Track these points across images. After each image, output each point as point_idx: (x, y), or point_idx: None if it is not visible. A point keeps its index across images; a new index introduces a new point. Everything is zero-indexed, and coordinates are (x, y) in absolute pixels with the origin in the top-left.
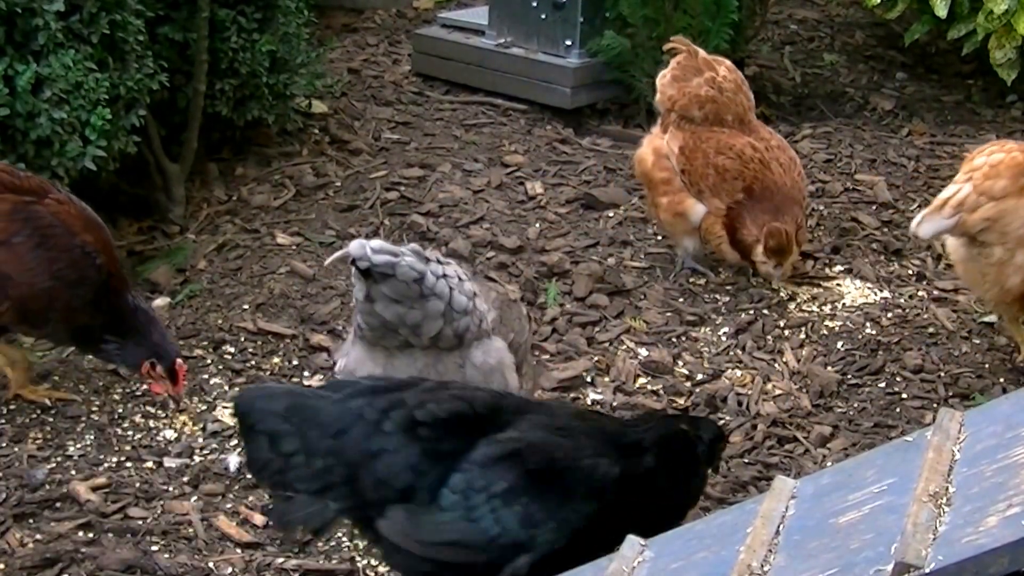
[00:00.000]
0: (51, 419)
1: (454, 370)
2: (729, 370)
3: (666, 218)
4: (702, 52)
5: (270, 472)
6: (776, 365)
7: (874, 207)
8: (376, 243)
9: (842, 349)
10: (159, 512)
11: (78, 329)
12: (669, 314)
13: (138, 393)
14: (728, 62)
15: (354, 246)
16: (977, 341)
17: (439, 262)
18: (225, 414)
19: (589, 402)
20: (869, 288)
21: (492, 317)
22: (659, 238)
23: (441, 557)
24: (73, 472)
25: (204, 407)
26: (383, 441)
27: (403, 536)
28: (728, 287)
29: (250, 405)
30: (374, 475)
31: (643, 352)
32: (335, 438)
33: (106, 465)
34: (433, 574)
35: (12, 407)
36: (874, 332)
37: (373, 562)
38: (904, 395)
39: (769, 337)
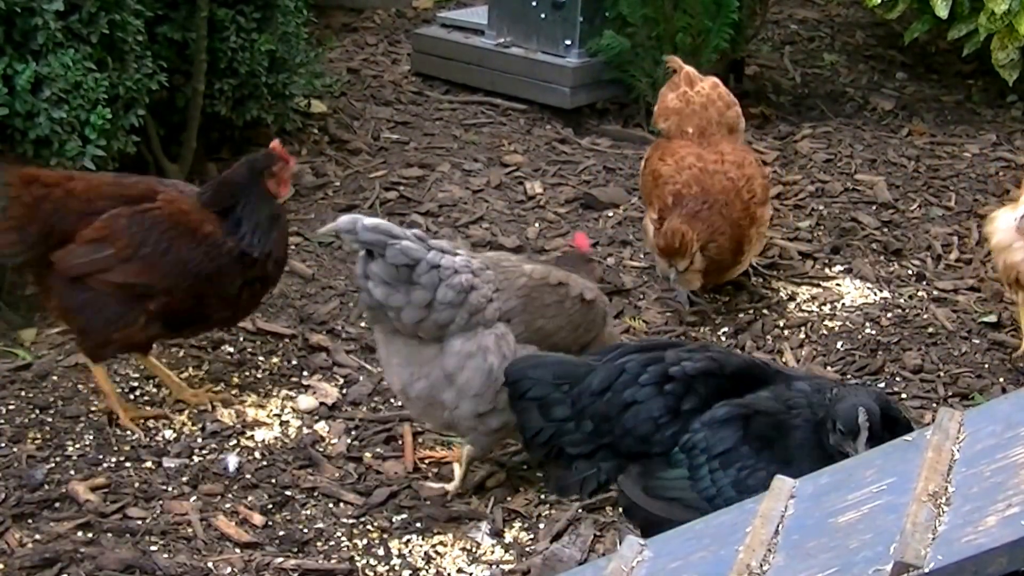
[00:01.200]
0: (50, 419)
1: (432, 358)
2: None
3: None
4: (688, 69)
5: (543, 440)
6: (776, 365)
7: (874, 207)
8: (371, 221)
9: (842, 349)
10: (158, 512)
11: (238, 298)
12: (669, 314)
13: (137, 393)
14: (713, 80)
15: (343, 220)
16: (976, 341)
17: (442, 251)
18: (224, 414)
19: None
20: (869, 288)
21: (510, 307)
22: None
23: (665, 514)
24: (72, 472)
25: (203, 407)
26: (637, 392)
27: (634, 490)
28: (727, 286)
29: (521, 373)
30: (622, 424)
31: None
32: (600, 395)
33: (105, 465)
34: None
35: (11, 407)
36: (874, 332)
37: (372, 561)
38: (904, 395)
39: (769, 337)
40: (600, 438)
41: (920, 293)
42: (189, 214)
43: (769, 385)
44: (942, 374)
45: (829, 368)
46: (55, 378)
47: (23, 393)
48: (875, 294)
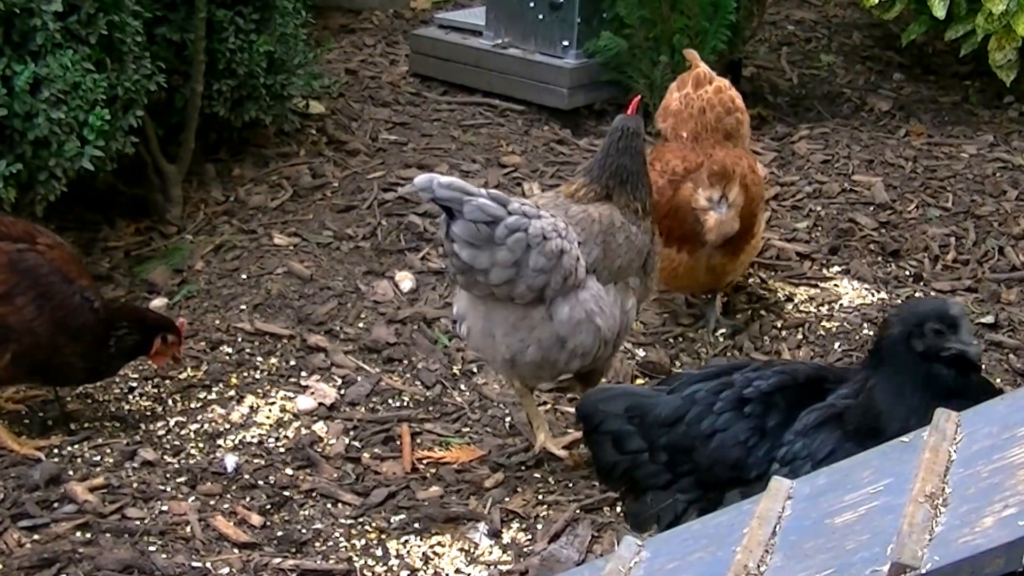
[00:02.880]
0: (48, 420)
1: (540, 323)
2: None
3: None
4: (702, 68)
5: (618, 474)
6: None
7: (871, 208)
8: (446, 179)
9: (839, 350)
10: (156, 512)
11: (83, 371)
12: (666, 315)
13: (135, 394)
14: (720, 83)
15: (420, 179)
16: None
17: (525, 215)
18: (220, 415)
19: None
20: (866, 289)
21: (594, 257)
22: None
23: None
24: (71, 472)
25: (200, 406)
26: (715, 421)
27: None
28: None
29: (592, 407)
30: (708, 455)
31: (640, 353)
32: (673, 427)
33: (103, 465)
34: None
35: (9, 409)
36: (871, 333)
37: (370, 562)
38: None
39: (766, 337)
40: (677, 469)
41: (918, 294)
42: (68, 264)
43: (841, 383)
44: None
45: None
46: None
47: (21, 392)
48: (873, 295)
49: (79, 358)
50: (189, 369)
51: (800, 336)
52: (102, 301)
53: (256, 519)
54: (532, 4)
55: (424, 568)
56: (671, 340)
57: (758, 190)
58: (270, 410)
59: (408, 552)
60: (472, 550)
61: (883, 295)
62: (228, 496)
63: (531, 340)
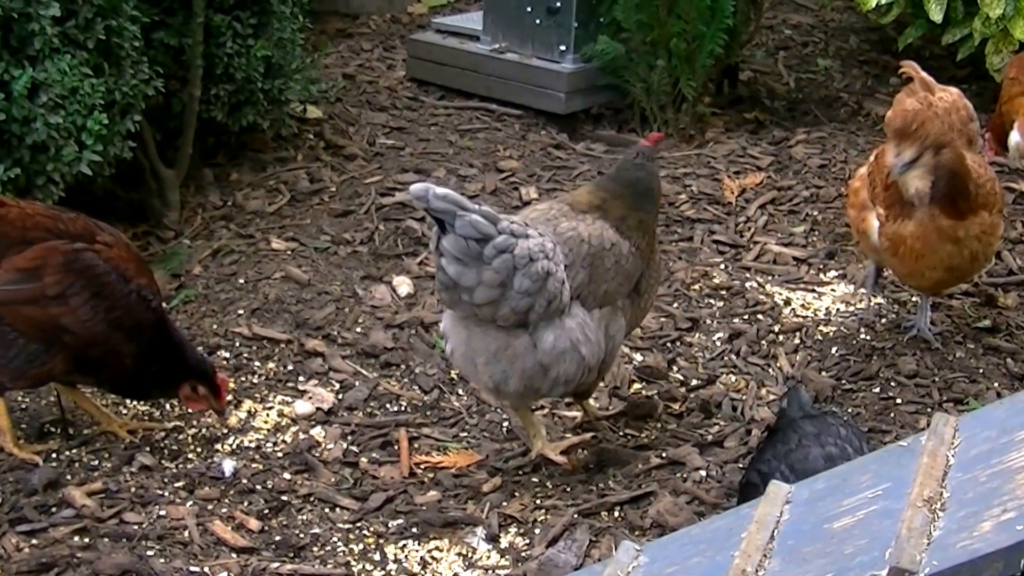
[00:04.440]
0: (46, 425)
1: (524, 353)
2: (723, 375)
3: None
4: (924, 75)
5: None
6: (770, 370)
7: None
8: (442, 190)
9: (836, 354)
10: (155, 517)
11: (132, 375)
12: (663, 319)
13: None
14: (954, 90)
15: (417, 187)
16: (971, 346)
17: (514, 234)
18: (218, 420)
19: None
20: (863, 293)
21: (579, 282)
22: None
23: None
24: (69, 477)
25: (197, 412)
26: None
27: None
28: (723, 292)
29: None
30: None
31: (638, 357)
32: None
33: (102, 470)
34: None
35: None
36: (868, 337)
37: (368, 567)
38: (899, 400)
39: (763, 342)
40: None
41: (915, 298)
42: (126, 263)
43: None
44: (937, 379)
45: (824, 373)
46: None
47: (18, 398)
48: (870, 299)
49: (132, 360)
50: None
51: (797, 341)
52: (160, 302)
53: (254, 524)
54: (529, 9)
55: (422, 572)
56: (668, 345)
57: (999, 195)
58: (268, 415)
59: (406, 557)
60: (470, 555)
61: (880, 299)
62: (226, 501)
63: (513, 371)
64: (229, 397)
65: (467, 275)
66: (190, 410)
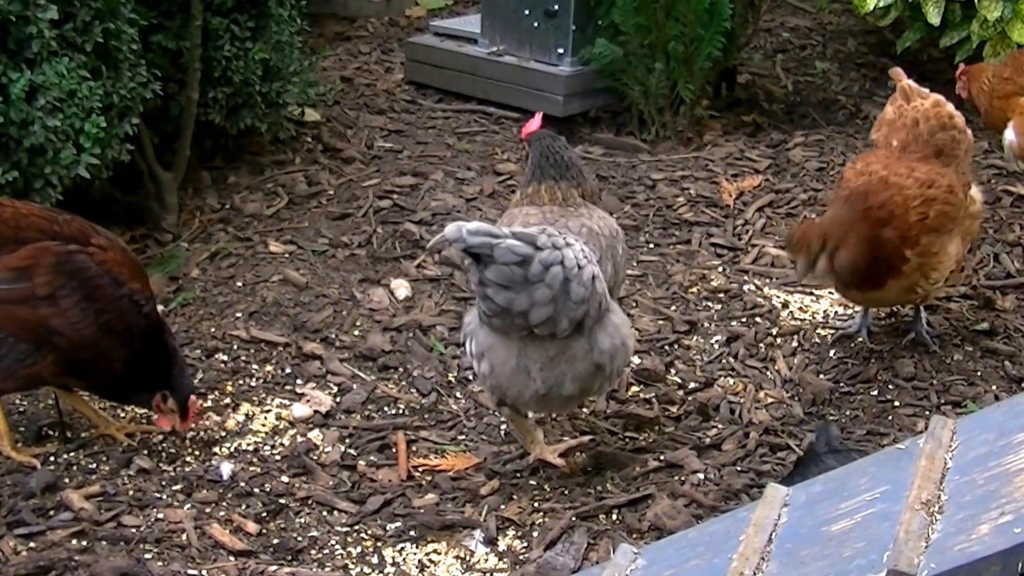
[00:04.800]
0: (44, 428)
1: (583, 356)
2: (721, 378)
3: None
4: (908, 83)
5: None
6: (768, 373)
7: None
8: (473, 225)
9: (834, 357)
10: (152, 520)
11: (121, 379)
12: (661, 322)
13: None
14: (939, 98)
15: (450, 229)
16: (969, 349)
17: (555, 247)
18: (216, 423)
19: (585, 412)
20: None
21: (608, 275)
22: (651, 246)
23: None
24: (67, 480)
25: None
26: None
27: None
28: (721, 294)
29: None
30: None
31: (635, 360)
32: None
33: (99, 473)
34: None
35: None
36: (866, 340)
37: (366, 570)
38: (896, 403)
39: (761, 345)
40: None
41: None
42: (119, 266)
43: None
44: (935, 382)
45: (822, 376)
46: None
47: (16, 401)
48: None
49: (123, 364)
50: None
51: (795, 344)
52: (154, 307)
53: (252, 527)
54: (527, 12)
55: (420, 575)
56: (666, 348)
57: (949, 211)
58: (266, 418)
59: (404, 560)
60: (468, 558)
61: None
62: (224, 504)
63: (571, 372)
64: (192, 425)
65: (518, 300)
66: (154, 417)
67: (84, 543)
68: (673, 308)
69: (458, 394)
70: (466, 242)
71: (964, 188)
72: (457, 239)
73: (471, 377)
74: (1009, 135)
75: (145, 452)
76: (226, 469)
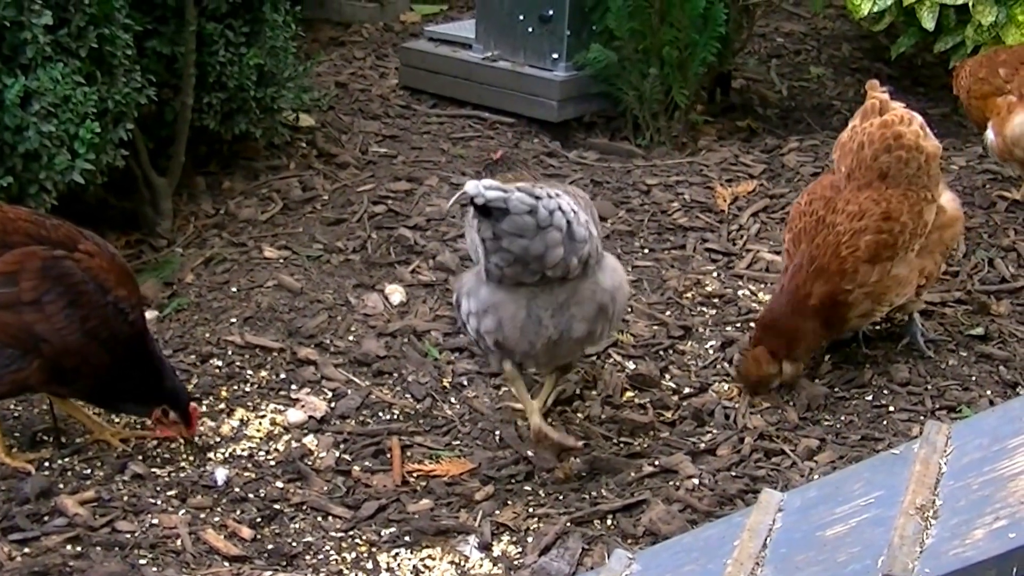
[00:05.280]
0: (39, 434)
1: (589, 296)
2: (716, 383)
3: None
4: (878, 98)
5: None
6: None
7: None
8: (487, 181)
9: (829, 362)
10: (147, 526)
11: (105, 385)
12: (656, 327)
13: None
14: (894, 116)
15: (470, 186)
16: (964, 354)
17: (549, 196)
18: (211, 428)
19: (580, 417)
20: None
21: (594, 228)
22: (646, 251)
23: None
24: (61, 486)
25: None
26: None
27: None
28: (715, 300)
29: None
30: None
31: (630, 365)
32: None
33: (94, 479)
34: None
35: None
36: (861, 345)
37: (361, 575)
38: (891, 408)
39: None
40: None
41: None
42: (105, 272)
43: None
44: (929, 387)
45: (817, 381)
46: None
47: (11, 406)
48: None
49: (108, 371)
50: None
51: None
52: (140, 314)
53: (246, 532)
54: (522, 17)
55: None
56: (661, 353)
57: (883, 239)
58: (260, 423)
59: (399, 565)
60: (462, 563)
61: None
62: (218, 509)
63: (580, 313)
64: (201, 426)
65: (534, 245)
66: (158, 435)
67: (79, 549)
68: (668, 313)
69: (452, 399)
70: (485, 196)
71: (920, 205)
72: (477, 194)
73: (465, 383)
74: (989, 135)
75: (140, 457)
76: (221, 474)
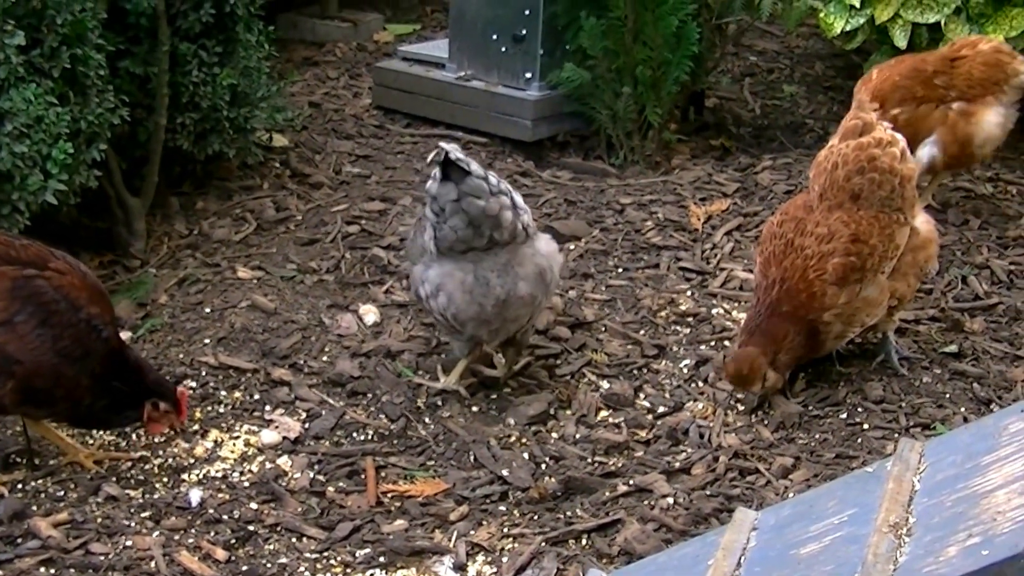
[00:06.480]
0: (11, 455)
1: (530, 258)
2: (690, 402)
3: None
4: (863, 118)
5: None
6: (737, 396)
7: None
8: (452, 145)
9: (803, 380)
10: (121, 548)
11: (84, 407)
12: (630, 346)
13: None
14: (872, 138)
15: (444, 144)
16: (938, 371)
17: (487, 170)
18: (184, 449)
19: (554, 437)
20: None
21: None
22: (620, 270)
23: None
24: (34, 508)
25: (164, 441)
26: None
27: None
28: (689, 318)
29: None
30: None
31: (604, 385)
32: None
33: (67, 501)
34: None
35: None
36: (835, 363)
37: None
38: (866, 425)
39: None
40: None
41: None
42: (76, 290)
43: None
44: (904, 404)
45: (791, 399)
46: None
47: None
48: None
49: (85, 390)
50: None
51: None
52: (114, 330)
53: (221, 554)
54: (495, 36)
55: None
56: (635, 372)
57: (851, 262)
58: (234, 444)
59: None
60: None
61: None
62: (193, 531)
63: (522, 272)
64: (190, 416)
65: (490, 206)
66: (153, 435)
67: (52, 571)
68: (642, 332)
69: (427, 419)
70: (455, 154)
71: (892, 227)
72: (450, 150)
73: (440, 403)
74: (928, 150)
75: (113, 479)
76: (195, 496)
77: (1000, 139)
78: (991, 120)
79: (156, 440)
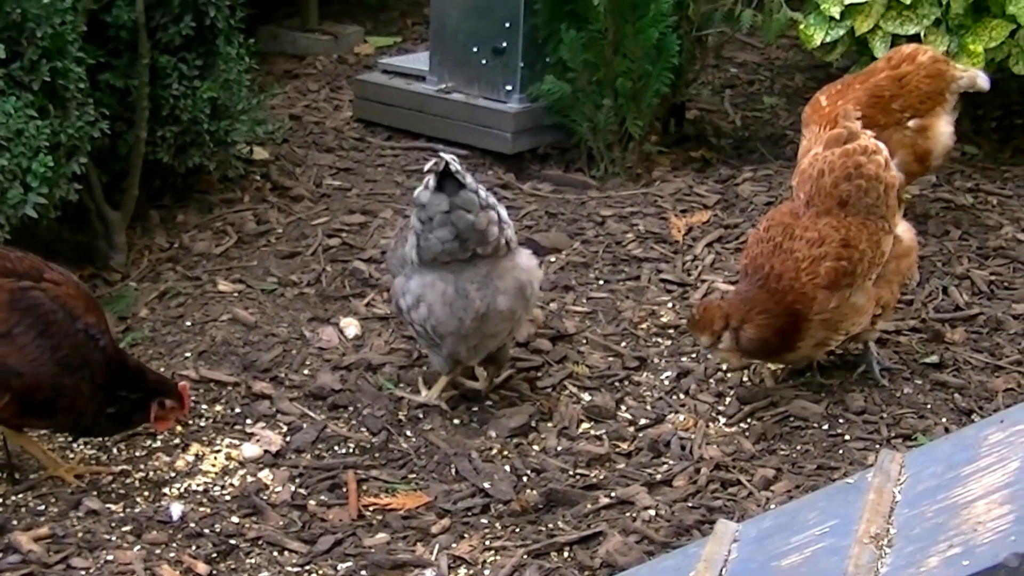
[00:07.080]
0: None
1: (510, 271)
2: (672, 414)
3: None
4: (846, 127)
5: None
6: (719, 408)
7: None
8: (451, 156)
9: (785, 390)
10: (102, 562)
11: (89, 416)
12: (611, 358)
13: (79, 442)
14: (859, 145)
15: (447, 156)
16: (919, 382)
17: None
18: (165, 463)
19: (536, 449)
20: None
21: None
22: (601, 283)
23: None
24: (15, 522)
25: (145, 454)
26: None
27: None
28: (671, 330)
29: None
30: None
31: (586, 397)
32: None
33: (48, 515)
34: None
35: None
36: (817, 375)
37: None
38: (847, 436)
39: (711, 380)
40: None
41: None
42: (73, 300)
43: None
44: (885, 415)
45: (773, 411)
46: None
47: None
48: None
49: (86, 400)
50: None
51: (745, 378)
52: (110, 339)
53: (202, 568)
54: (475, 49)
55: None
56: (616, 384)
57: (842, 267)
58: (215, 458)
59: None
60: None
61: None
62: (174, 545)
63: (502, 285)
64: (171, 430)
65: (479, 220)
66: (161, 431)
67: None
68: (623, 344)
69: (408, 432)
70: (454, 165)
71: (878, 234)
72: (450, 160)
73: (421, 416)
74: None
75: (94, 493)
76: (176, 510)
77: (952, 146)
78: (944, 131)
79: (137, 454)
